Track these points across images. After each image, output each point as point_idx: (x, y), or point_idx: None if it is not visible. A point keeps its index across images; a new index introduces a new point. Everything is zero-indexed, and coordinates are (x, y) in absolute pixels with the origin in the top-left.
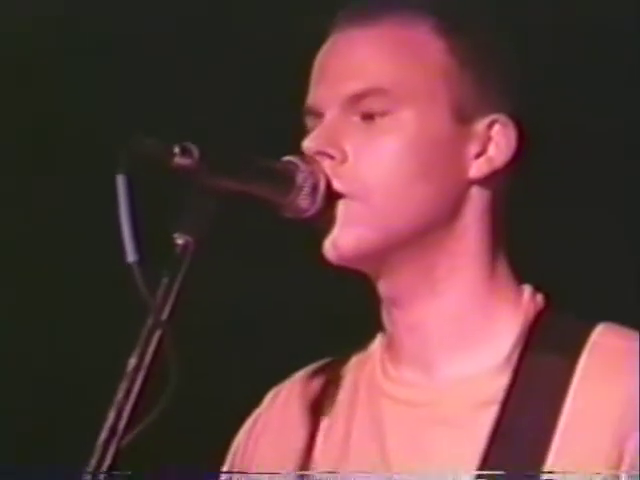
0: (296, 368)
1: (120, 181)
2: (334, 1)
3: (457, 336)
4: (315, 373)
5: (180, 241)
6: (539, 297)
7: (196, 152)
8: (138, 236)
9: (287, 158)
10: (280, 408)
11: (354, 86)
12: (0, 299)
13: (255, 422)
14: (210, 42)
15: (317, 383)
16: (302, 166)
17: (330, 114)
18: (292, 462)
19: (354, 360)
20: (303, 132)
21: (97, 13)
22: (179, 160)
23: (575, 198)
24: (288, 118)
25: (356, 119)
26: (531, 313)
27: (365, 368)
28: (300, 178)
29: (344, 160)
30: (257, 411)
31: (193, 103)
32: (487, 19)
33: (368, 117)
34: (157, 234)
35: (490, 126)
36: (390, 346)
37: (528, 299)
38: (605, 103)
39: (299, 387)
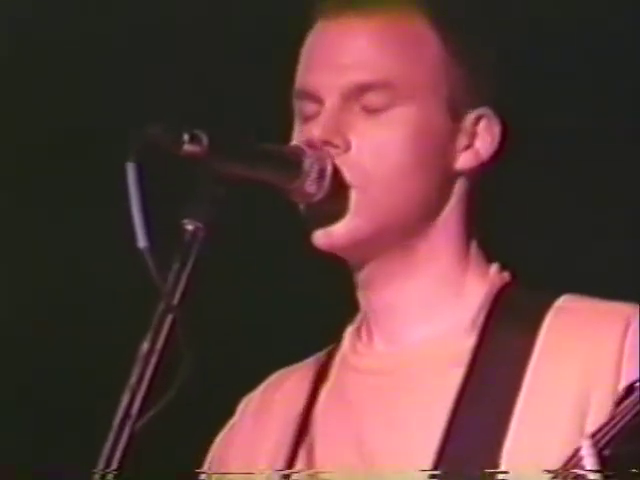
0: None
1: (130, 168)
2: None
3: (427, 310)
4: (293, 371)
5: (190, 227)
6: (506, 273)
7: (205, 139)
8: (149, 222)
9: (294, 143)
10: (252, 414)
11: (360, 77)
12: (12, 287)
13: (230, 430)
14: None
15: (295, 377)
16: (309, 151)
17: (331, 102)
18: (266, 455)
19: (330, 349)
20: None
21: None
22: (188, 147)
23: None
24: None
25: (357, 109)
26: (497, 284)
27: (338, 353)
28: (307, 163)
29: (347, 150)
30: (231, 421)
31: (199, 91)
32: (476, 15)
33: (370, 108)
34: (167, 220)
35: (477, 120)
36: (363, 326)
37: (494, 273)
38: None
39: (273, 387)
